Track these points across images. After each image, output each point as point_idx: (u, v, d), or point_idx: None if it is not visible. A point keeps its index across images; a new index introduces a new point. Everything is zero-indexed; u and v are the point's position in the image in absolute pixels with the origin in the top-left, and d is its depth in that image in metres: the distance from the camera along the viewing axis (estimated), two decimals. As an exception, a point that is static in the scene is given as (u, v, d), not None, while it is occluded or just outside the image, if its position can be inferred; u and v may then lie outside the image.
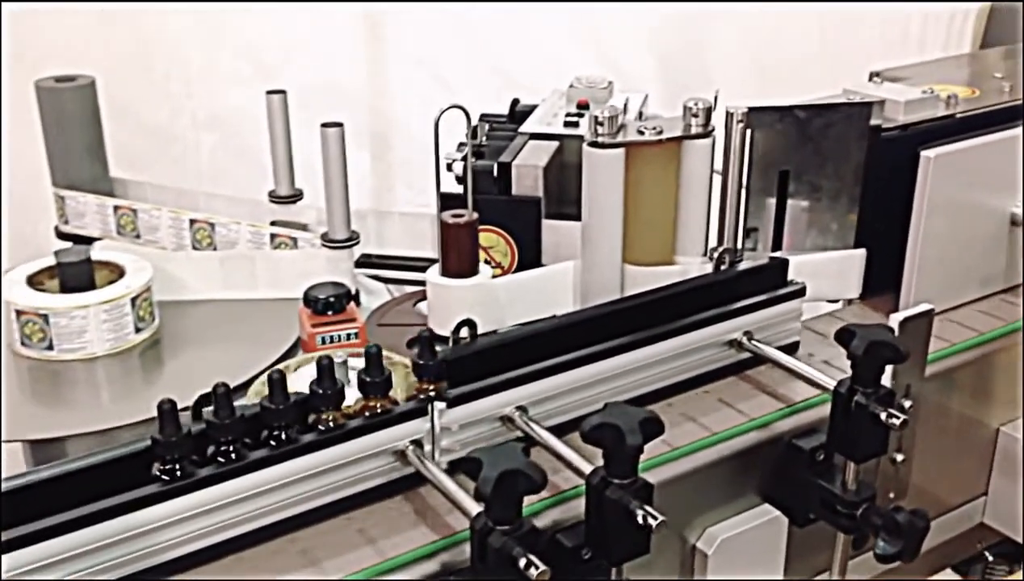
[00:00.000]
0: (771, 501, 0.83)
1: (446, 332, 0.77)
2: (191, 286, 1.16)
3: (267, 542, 0.69)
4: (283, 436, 0.68)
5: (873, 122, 0.96)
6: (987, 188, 0.99)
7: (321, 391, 0.68)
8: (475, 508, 0.63)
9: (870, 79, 1.06)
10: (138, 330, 1.08)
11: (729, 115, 0.86)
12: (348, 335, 0.95)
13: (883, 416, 0.73)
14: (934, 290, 0.96)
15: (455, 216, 0.90)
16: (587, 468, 0.67)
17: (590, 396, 0.79)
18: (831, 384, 0.77)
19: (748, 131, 0.88)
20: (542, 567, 0.59)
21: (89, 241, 1.28)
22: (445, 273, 0.90)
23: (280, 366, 0.83)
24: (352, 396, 0.71)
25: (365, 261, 1.24)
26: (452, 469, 0.72)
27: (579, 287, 0.92)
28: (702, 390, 0.86)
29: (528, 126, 1.10)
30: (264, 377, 0.80)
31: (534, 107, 1.17)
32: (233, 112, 1.81)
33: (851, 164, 0.96)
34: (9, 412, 0.96)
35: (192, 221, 1.25)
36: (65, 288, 1.08)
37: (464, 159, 0.95)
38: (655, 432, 0.65)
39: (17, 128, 1.55)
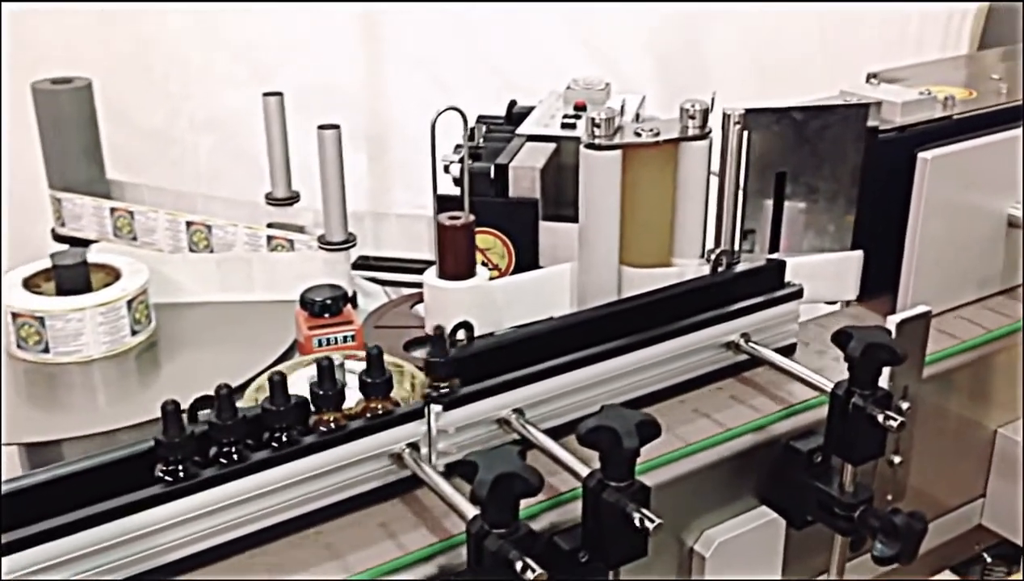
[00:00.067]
0: (768, 503, 0.82)
1: (443, 334, 0.77)
2: (187, 288, 1.16)
3: (267, 543, 0.68)
4: (284, 437, 0.67)
5: (870, 124, 0.96)
6: (984, 189, 0.99)
7: (322, 392, 0.68)
8: (471, 511, 0.63)
9: (867, 80, 1.06)
10: (134, 333, 1.07)
11: (726, 117, 0.86)
12: (345, 337, 0.95)
13: (881, 418, 0.73)
14: (932, 292, 0.95)
15: (452, 218, 0.90)
16: (584, 471, 0.67)
17: (587, 399, 0.79)
18: (828, 386, 0.77)
19: (745, 133, 0.88)
20: (539, 570, 0.59)
21: (85, 243, 1.27)
22: (442, 275, 0.90)
23: (275, 369, 0.82)
24: (351, 398, 0.71)
25: (362, 263, 1.24)
26: (449, 472, 0.72)
27: (576, 289, 0.92)
28: (699, 392, 0.86)
29: (525, 128, 1.10)
30: (259, 381, 0.80)
31: (531, 109, 1.17)
32: (231, 114, 1.81)
33: (848, 166, 0.96)
34: (5, 415, 0.96)
35: (189, 223, 1.25)
36: (61, 291, 1.07)
37: (461, 161, 0.95)
38: (651, 435, 0.65)
39: (16, 129, 1.55)
